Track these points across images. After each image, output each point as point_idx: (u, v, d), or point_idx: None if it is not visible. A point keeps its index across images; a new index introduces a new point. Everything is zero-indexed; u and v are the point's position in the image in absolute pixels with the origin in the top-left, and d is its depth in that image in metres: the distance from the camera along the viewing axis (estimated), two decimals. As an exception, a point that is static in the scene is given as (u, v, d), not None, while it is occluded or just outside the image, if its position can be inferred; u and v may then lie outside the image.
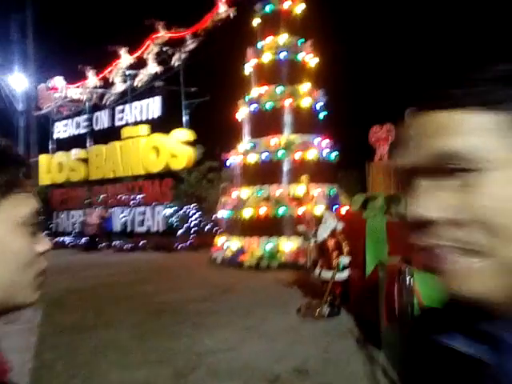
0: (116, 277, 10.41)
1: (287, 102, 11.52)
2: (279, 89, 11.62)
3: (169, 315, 6.50)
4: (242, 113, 12.43)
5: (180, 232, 15.57)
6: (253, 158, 11.51)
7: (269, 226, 10.72)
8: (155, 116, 17.12)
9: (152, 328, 5.88)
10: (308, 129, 11.69)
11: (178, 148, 16.21)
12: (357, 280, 5.92)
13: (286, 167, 11.24)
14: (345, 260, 6.02)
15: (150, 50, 17.16)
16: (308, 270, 9.50)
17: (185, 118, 16.37)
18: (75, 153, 20.19)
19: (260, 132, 11.74)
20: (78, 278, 10.50)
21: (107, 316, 6.70)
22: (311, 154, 11.22)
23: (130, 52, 18.05)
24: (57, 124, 21.76)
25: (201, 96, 16.18)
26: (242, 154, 11.93)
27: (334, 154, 11.84)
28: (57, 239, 20.27)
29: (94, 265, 12.89)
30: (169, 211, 16.03)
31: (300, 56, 12.01)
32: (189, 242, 15.30)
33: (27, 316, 6.93)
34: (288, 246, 10.45)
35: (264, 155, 11.29)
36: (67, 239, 19.96)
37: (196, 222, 15.56)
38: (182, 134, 16.30)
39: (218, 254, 11.67)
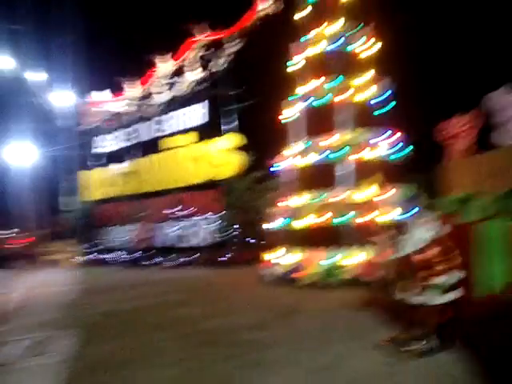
0: (160, 297, 9.54)
1: (344, 96, 10.32)
2: (334, 81, 10.45)
3: (217, 348, 5.43)
4: (290, 113, 11.34)
5: (229, 246, 14.63)
6: (306, 161, 10.38)
7: (328, 237, 9.51)
8: (199, 123, 16.42)
9: (196, 367, 4.83)
10: (370, 125, 10.42)
11: (225, 156, 15.39)
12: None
13: (345, 169, 10.01)
14: (451, 277, 4.61)
15: (190, 56, 16.53)
16: (380, 289, 8.21)
17: (231, 124, 15.54)
18: (118, 167, 19.85)
19: (313, 132, 10.61)
20: (119, 299, 9.73)
21: (146, 348, 5.74)
22: (376, 153, 9.93)
23: (170, 59, 17.49)
24: (98, 139, 21.61)
25: (246, 99, 15.32)
26: (293, 157, 10.82)
27: (402, 152, 10.46)
28: (103, 256, 19.97)
29: (138, 283, 12.16)
30: (217, 224, 15.15)
31: (357, 44, 10.80)
32: (238, 257, 14.30)
33: (58, 346, 6.12)
34: (351, 259, 9.18)
35: (319, 157, 10.12)
36: (113, 256, 19.55)
37: (245, 234, 14.57)
38: (229, 141, 15.47)
39: (269, 271, 10.55)
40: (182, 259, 15.77)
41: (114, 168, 20.19)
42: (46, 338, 6.65)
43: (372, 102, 10.70)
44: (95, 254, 20.48)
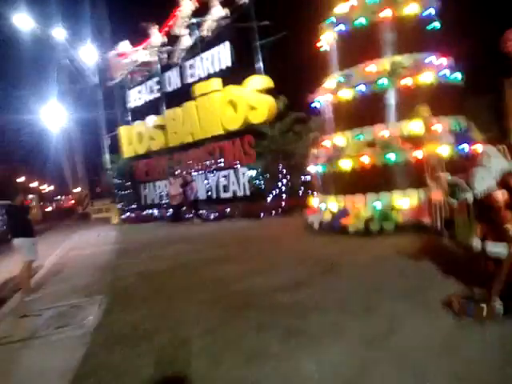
0: (197, 254, 9.04)
1: (386, 14, 8.87)
2: (372, -2, 9.01)
3: (251, 314, 4.77)
4: (327, 38, 10.02)
5: (268, 194, 13.87)
6: (347, 94, 9.17)
7: (377, 179, 8.47)
8: (227, 65, 15.25)
9: (226, 339, 4.20)
10: (417, 46, 8.98)
11: (256, 98, 14.27)
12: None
13: (393, 99, 8.75)
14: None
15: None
16: (440, 233, 7.23)
17: (260, 63, 14.23)
18: (151, 120, 19.26)
19: (353, 59, 9.29)
20: (155, 258, 9.34)
21: (175, 314, 5.20)
22: (427, 78, 8.56)
23: (192, -4, 16.22)
24: (130, 92, 20.99)
25: (276, 33, 13.90)
26: (332, 91, 9.63)
27: (457, 75, 9.03)
28: (145, 212, 19.94)
29: (176, 240, 11.76)
30: (253, 172, 14.34)
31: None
32: (279, 206, 13.55)
33: (84, 316, 5.72)
34: (405, 202, 8.16)
35: (362, 87, 8.89)
36: (155, 211, 19.45)
37: (285, 181, 13.71)
38: (259, 82, 14.27)
39: (315, 218, 9.73)
40: (220, 212, 15.24)
41: (149, 121, 19.61)
42: (73, 306, 6.31)
43: (420, 18, 9.16)
44: (137, 210, 20.47)
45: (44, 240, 14.14)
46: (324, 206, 9.72)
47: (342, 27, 9.50)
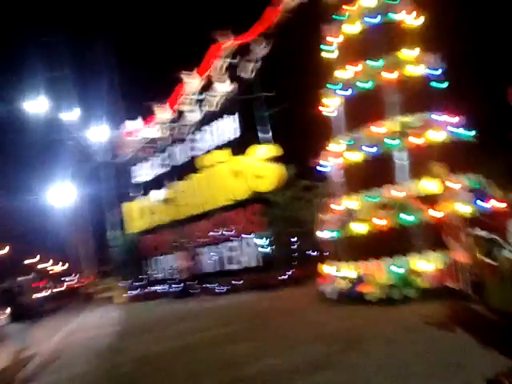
0: (203, 332, 8.34)
1: (392, 76, 8.86)
2: (378, 62, 9.03)
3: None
4: (332, 103, 9.99)
5: (280, 264, 13.26)
6: (356, 156, 8.94)
7: (394, 241, 7.96)
8: (233, 136, 15.33)
9: None
10: (425, 106, 8.87)
11: (262, 167, 14.14)
12: None
13: (404, 159, 8.48)
14: None
15: (216, 66, 15.63)
16: (468, 298, 6.58)
17: (267, 132, 14.28)
18: (156, 195, 19.19)
19: (359, 122, 9.16)
20: (159, 339, 8.65)
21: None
22: (438, 136, 8.35)
23: (196, 74, 16.69)
24: (136, 168, 21.17)
25: (282, 101, 14.06)
26: (341, 154, 9.42)
27: (469, 133, 8.80)
28: (151, 289, 19.24)
29: (182, 317, 11.07)
30: (262, 242, 13.85)
31: (400, 16, 9.35)
32: (290, 276, 12.89)
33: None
34: (427, 265, 7.57)
35: (371, 149, 8.66)
36: (160, 288, 18.74)
37: (296, 250, 13.17)
38: (265, 151, 14.22)
39: (328, 287, 9.09)
40: (229, 284, 14.53)
41: (154, 196, 19.54)
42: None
43: (426, 78, 9.15)
44: (142, 287, 19.77)
45: (46, 324, 13.49)
46: (338, 273, 9.11)
47: (347, 91, 9.47)
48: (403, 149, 8.50)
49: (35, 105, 22.98)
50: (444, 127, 8.59)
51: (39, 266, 50.64)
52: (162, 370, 6.22)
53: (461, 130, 8.76)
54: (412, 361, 4.53)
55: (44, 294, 40.85)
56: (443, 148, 8.39)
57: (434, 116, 8.78)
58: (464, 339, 4.86)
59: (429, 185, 7.92)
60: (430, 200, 7.70)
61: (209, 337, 7.80)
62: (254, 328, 7.92)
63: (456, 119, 8.86)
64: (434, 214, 7.55)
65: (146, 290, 19.37)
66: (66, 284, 59.41)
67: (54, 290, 51.49)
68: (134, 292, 20.13)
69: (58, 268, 61.43)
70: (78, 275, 52.53)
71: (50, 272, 57.94)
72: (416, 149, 8.43)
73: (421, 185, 8.11)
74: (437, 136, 8.40)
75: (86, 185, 27.30)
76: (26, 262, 45.56)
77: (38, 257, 48.06)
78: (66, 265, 58.20)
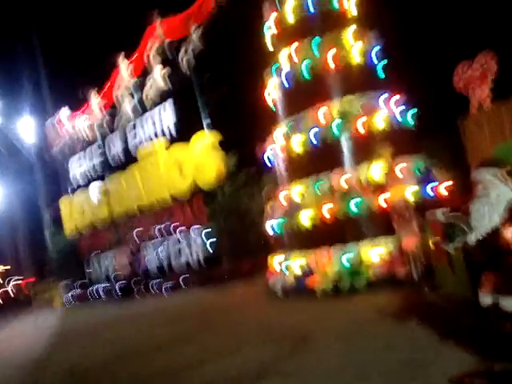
0: (145, 336, 7.69)
1: (330, 55, 8.47)
2: (315, 40, 8.60)
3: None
4: (273, 85, 9.49)
5: (225, 258, 12.74)
6: (298, 141, 8.51)
7: (340, 230, 7.65)
8: (170, 125, 14.49)
9: None
10: (366, 87, 8.58)
11: (203, 158, 13.45)
12: None
13: (347, 144, 8.15)
14: None
15: (152, 49, 14.66)
16: (419, 286, 6.36)
17: (205, 119, 13.53)
18: (94, 189, 18.00)
19: (300, 106, 8.74)
20: (94, 346, 7.90)
21: None
22: (380, 118, 8.07)
23: (131, 58, 15.64)
24: (71, 160, 19.74)
25: (221, 85, 13.37)
26: (283, 139, 8.96)
27: (410, 114, 8.61)
28: (91, 290, 18.13)
29: (122, 320, 10.34)
30: (206, 235, 13.23)
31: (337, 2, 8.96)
32: (238, 269, 12.40)
33: None
34: (375, 253, 7.30)
35: (313, 133, 8.26)
36: (102, 287, 17.68)
37: (242, 242, 12.68)
38: (205, 138, 13.52)
39: (276, 281, 8.67)
40: (174, 281, 13.84)
41: (92, 190, 18.31)
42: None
43: (366, 57, 8.85)
44: (83, 288, 18.60)
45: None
46: (285, 264, 8.71)
47: (285, 72, 8.99)
48: (346, 131, 8.17)
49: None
50: (386, 107, 8.34)
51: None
52: (94, 382, 5.54)
53: (402, 110, 8.55)
54: (367, 360, 4.15)
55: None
56: (386, 129, 8.15)
57: (376, 96, 8.51)
58: (420, 333, 4.55)
59: (375, 169, 7.64)
60: (377, 185, 7.43)
61: (148, 340, 7.17)
62: (199, 328, 7.36)
63: (397, 98, 8.64)
64: (382, 199, 7.28)
65: (88, 291, 18.22)
66: (8, 287, 55.94)
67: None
68: (75, 293, 18.93)
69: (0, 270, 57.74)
70: (19, 277, 49.70)
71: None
72: (359, 133, 8.12)
73: (366, 169, 7.82)
74: (379, 117, 8.13)
75: (17, 181, 25.33)
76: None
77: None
78: (8, 266, 54.81)
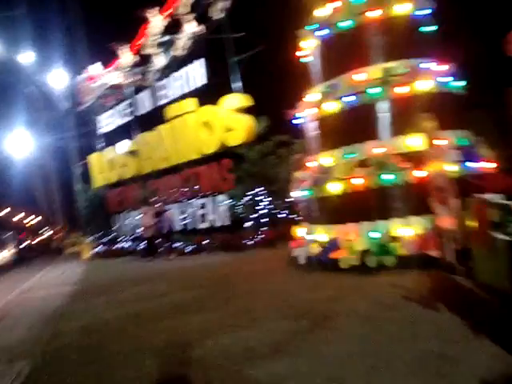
0: (161, 298, 7.59)
1: (375, 15, 7.80)
2: (358, -1, 7.93)
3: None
4: (309, 46, 8.91)
5: (249, 224, 12.52)
6: (333, 107, 8.00)
7: (372, 204, 7.22)
8: (201, 84, 14.09)
9: None
10: (412, 51, 7.90)
11: (233, 119, 13.07)
12: None
13: (386, 111, 7.58)
14: None
15: (182, 4, 14.09)
16: (453, 270, 5.94)
17: (238, 80, 13.03)
18: (123, 146, 17.97)
19: (339, 68, 8.16)
20: (112, 303, 7.90)
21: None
22: (425, 85, 7.44)
23: (161, 12, 15.11)
24: (101, 117, 19.74)
25: (254, 46, 12.79)
26: (316, 104, 8.46)
27: (459, 83, 7.91)
28: (118, 245, 18.44)
29: (144, 278, 10.34)
30: (232, 200, 13.01)
31: None
32: (261, 237, 12.19)
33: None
34: (407, 231, 6.87)
35: (350, 99, 7.73)
36: (128, 244, 17.94)
37: (267, 209, 12.40)
38: (235, 101, 13.09)
39: (300, 252, 8.39)
40: (197, 244, 13.80)
41: (120, 147, 18.32)
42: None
43: (413, 20, 8.11)
44: (109, 243, 18.95)
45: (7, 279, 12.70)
46: (311, 237, 8.39)
47: (324, 32, 8.39)
48: (386, 99, 7.58)
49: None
50: (432, 76, 7.66)
51: (15, 219, 49.49)
52: (102, 343, 5.46)
53: (450, 80, 7.86)
54: (388, 348, 3.84)
55: (24, 245, 40.72)
56: (430, 100, 7.50)
57: (422, 63, 7.83)
58: (449, 321, 4.19)
59: (414, 141, 7.10)
60: (415, 158, 6.91)
61: (164, 304, 7.06)
62: (215, 295, 7.20)
63: (445, 68, 7.93)
64: (419, 173, 6.78)
65: (113, 247, 18.55)
66: (40, 237, 58.52)
67: (32, 242, 50.88)
68: (101, 248, 19.32)
69: (33, 221, 60.15)
70: (50, 228, 51.83)
71: (27, 225, 56.79)
72: (400, 99, 7.52)
73: (405, 141, 7.29)
74: (424, 86, 7.49)
75: (48, 134, 25.66)
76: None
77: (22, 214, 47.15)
78: (39, 218, 57.11)
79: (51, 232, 48.55)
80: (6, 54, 21.69)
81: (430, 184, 6.22)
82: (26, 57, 22.14)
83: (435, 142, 6.47)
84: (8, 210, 45.50)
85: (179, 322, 5.78)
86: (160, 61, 15.65)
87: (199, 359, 4.31)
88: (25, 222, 56.44)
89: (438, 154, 6.41)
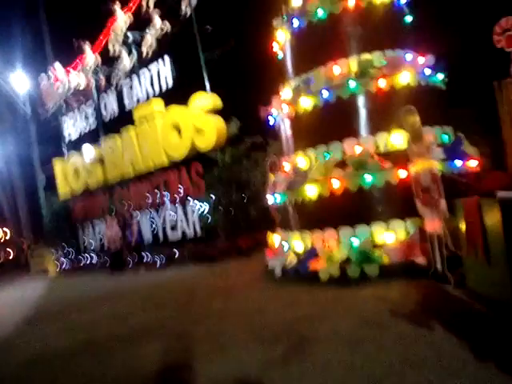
0: (120, 322, 6.89)
1: (351, 3, 7.33)
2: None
3: None
4: (281, 39, 8.39)
5: (222, 233, 11.90)
6: (307, 103, 7.48)
7: (351, 208, 6.71)
8: (168, 83, 13.44)
9: None
10: (390, 42, 7.47)
11: (202, 120, 12.44)
12: None
13: (365, 106, 7.11)
14: None
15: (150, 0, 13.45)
16: (442, 278, 5.45)
17: (205, 79, 12.41)
18: (87, 151, 17.08)
19: (313, 61, 7.67)
20: (66, 329, 7.18)
21: None
22: (404, 79, 6.99)
23: (126, 8, 14.43)
24: (65, 120, 18.79)
25: (222, 43, 12.22)
26: (289, 101, 7.93)
27: (439, 77, 7.50)
28: (85, 260, 17.54)
29: (105, 297, 9.61)
30: (204, 207, 12.37)
31: None
32: (236, 246, 11.58)
33: None
34: (391, 236, 6.38)
35: (325, 94, 7.22)
36: (95, 258, 17.06)
37: (241, 216, 11.81)
38: (205, 101, 12.46)
39: (276, 263, 7.82)
40: (167, 256, 13.09)
41: (86, 153, 17.41)
42: None
43: (392, 7, 7.70)
44: (76, 257, 18.01)
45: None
46: (287, 245, 7.84)
47: (296, 23, 7.87)
48: (364, 93, 7.10)
49: None
50: (413, 68, 7.23)
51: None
52: (46, 380, 4.78)
53: (432, 73, 7.45)
54: (378, 378, 3.28)
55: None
56: (410, 93, 7.07)
57: (400, 54, 7.41)
58: (444, 342, 3.67)
59: (395, 138, 6.63)
60: (397, 156, 6.43)
61: (125, 328, 6.38)
62: (182, 316, 6.55)
63: (426, 60, 7.51)
64: (402, 173, 6.30)
65: (80, 262, 17.64)
66: (9, 253, 55.97)
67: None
68: (67, 264, 18.37)
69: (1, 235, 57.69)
70: (18, 242, 49.68)
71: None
72: (379, 93, 7.07)
73: (386, 138, 6.82)
74: (404, 79, 7.05)
75: (12, 139, 24.52)
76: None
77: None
78: (7, 231, 54.76)
79: (20, 246, 46.77)
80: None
81: (415, 184, 5.72)
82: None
83: (419, 137, 5.98)
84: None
85: (136, 351, 5.13)
86: (125, 60, 14.93)
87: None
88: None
89: (422, 151, 5.93)
